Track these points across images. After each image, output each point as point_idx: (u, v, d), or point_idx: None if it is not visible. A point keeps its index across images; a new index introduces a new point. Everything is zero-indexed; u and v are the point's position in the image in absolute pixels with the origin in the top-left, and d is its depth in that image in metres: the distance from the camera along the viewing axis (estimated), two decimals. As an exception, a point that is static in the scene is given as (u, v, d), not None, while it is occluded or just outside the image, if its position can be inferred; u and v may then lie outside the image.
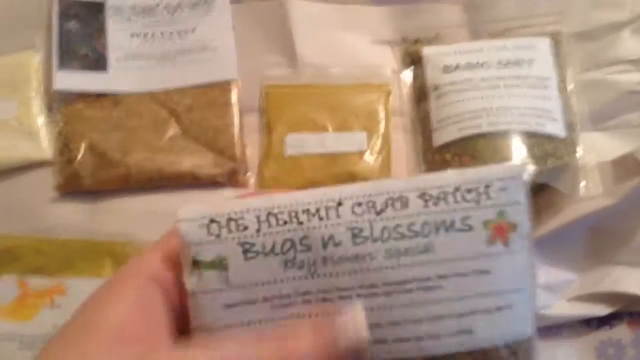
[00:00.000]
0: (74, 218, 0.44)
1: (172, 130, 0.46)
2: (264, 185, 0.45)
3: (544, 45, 0.45)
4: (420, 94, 0.46)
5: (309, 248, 0.21)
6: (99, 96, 0.46)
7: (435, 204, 0.21)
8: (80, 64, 0.47)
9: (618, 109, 0.45)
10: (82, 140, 0.45)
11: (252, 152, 0.47)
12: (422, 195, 0.21)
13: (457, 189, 0.21)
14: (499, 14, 0.47)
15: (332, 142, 0.45)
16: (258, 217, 0.21)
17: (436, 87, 0.45)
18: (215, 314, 0.21)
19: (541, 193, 0.43)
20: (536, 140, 0.42)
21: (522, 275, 0.22)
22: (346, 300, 0.21)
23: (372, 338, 0.20)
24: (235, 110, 0.47)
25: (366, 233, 0.21)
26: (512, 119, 0.42)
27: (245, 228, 0.21)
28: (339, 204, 0.21)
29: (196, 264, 0.21)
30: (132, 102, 0.46)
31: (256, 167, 0.46)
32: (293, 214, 0.21)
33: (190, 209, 0.21)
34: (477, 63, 0.44)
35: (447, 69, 0.45)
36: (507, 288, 0.21)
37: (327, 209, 0.21)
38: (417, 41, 0.48)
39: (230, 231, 0.21)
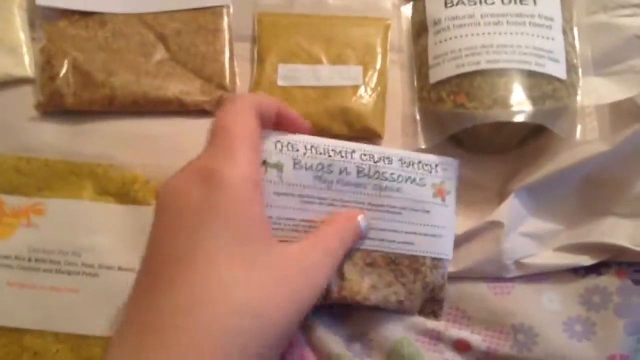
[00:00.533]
0: (55, 138, 0.42)
1: (159, 54, 0.44)
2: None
3: (550, -17, 0.43)
4: (420, 28, 0.44)
5: (331, 172, 0.34)
6: (84, 15, 0.45)
7: (407, 166, 0.36)
8: (66, -20, 0.45)
9: (623, 54, 0.43)
10: (65, 58, 0.43)
11: (242, 82, 0.45)
12: (400, 159, 0.36)
13: (419, 162, 0.36)
14: (506, -50, 0.45)
15: (326, 74, 0.44)
16: (306, 146, 0.34)
17: (436, 22, 0.43)
18: (269, 197, 0.33)
19: (537, 136, 0.42)
20: (535, 81, 0.40)
21: (449, 220, 0.36)
22: (344, 208, 0.35)
23: None
24: (225, 37, 0.45)
25: (365, 172, 0.35)
26: (512, 57, 0.40)
27: (297, 150, 0.34)
28: (353, 151, 0.35)
29: (265, 162, 0.33)
30: (118, 23, 0.45)
31: (246, 97, 0.45)
32: (327, 149, 0.35)
33: (267, 132, 0.34)
34: (481, -1, 0.43)
35: (448, 3, 0.43)
36: (438, 225, 0.36)
37: (346, 152, 0.35)
38: (419, -26, 0.46)
39: (288, 150, 0.34)
